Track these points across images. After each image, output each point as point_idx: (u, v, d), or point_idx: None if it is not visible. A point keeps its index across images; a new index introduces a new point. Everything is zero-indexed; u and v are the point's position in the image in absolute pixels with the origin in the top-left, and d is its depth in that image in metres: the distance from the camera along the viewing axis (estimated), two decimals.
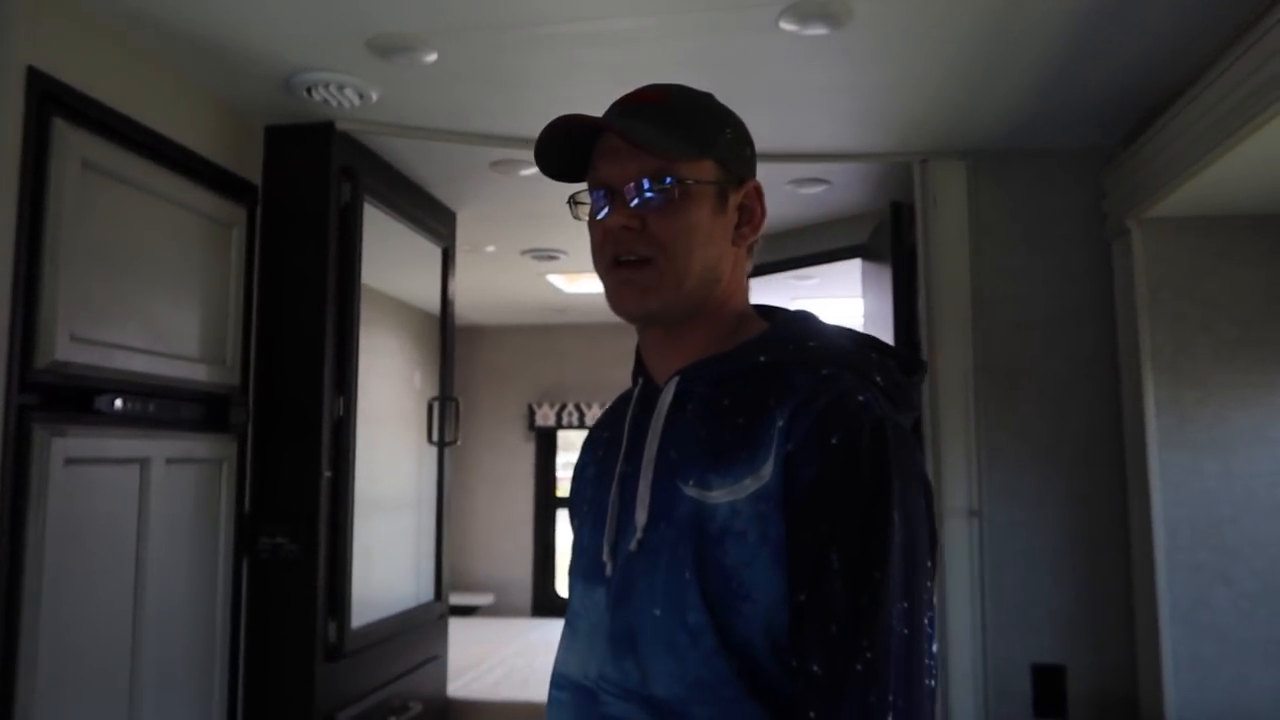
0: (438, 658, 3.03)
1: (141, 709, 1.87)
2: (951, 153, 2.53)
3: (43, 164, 1.65)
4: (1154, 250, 2.21)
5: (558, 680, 1.00)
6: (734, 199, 1.00)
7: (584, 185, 1.02)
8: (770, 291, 4.17)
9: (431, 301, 3.13)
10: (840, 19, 1.80)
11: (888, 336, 2.61)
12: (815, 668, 0.83)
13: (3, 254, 1.58)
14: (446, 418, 3.04)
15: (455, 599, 5.40)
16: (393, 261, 2.91)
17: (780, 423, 0.90)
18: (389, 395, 2.84)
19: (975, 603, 2.39)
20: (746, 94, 2.20)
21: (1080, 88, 2.14)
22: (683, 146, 0.95)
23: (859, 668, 0.82)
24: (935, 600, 0.93)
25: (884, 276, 2.74)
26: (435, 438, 3.00)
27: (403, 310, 3.01)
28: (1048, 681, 2.36)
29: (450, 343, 3.16)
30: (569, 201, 1.03)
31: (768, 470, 0.89)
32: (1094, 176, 2.43)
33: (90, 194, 1.75)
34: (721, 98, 2.28)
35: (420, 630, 2.88)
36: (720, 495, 0.90)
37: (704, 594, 0.89)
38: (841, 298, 4.40)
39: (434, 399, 3.02)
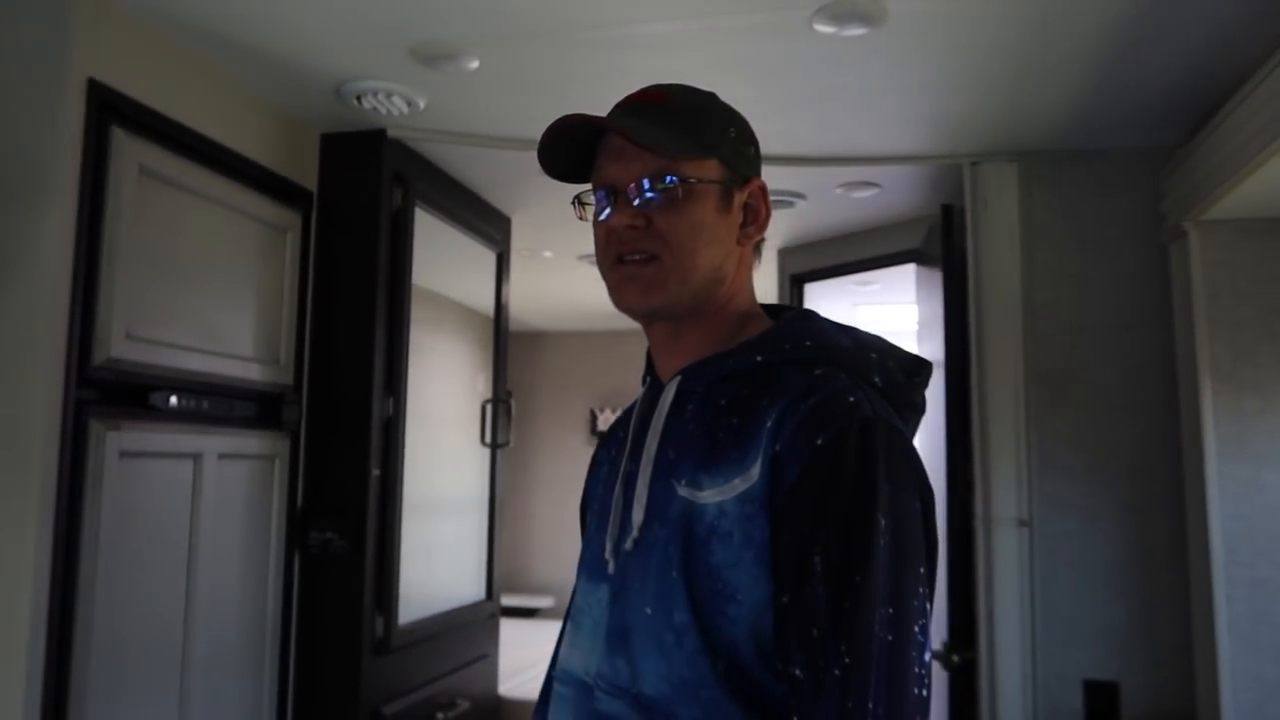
0: (488, 656, 3.08)
1: (193, 697, 1.95)
2: (1003, 154, 2.48)
3: (102, 171, 1.73)
4: (1213, 254, 2.13)
5: (561, 675, 1.02)
6: (739, 198, 1.01)
7: (588, 185, 1.04)
8: (831, 297, 4.13)
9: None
10: (875, 19, 1.78)
11: (938, 343, 2.56)
12: (797, 671, 0.83)
13: (63, 255, 1.67)
14: (499, 420, 3.09)
15: (516, 601, 5.49)
16: (456, 267, 2.98)
17: (769, 423, 0.90)
18: (451, 398, 2.91)
19: (1024, 615, 2.33)
20: (789, 97, 2.19)
21: (1135, 84, 2.07)
22: (685, 145, 0.96)
23: (836, 672, 0.81)
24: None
25: (937, 281, 2.69)
26: (488, 439, 3.05)
27: (466, 315, 3.07)
28: (1101, 699, 2.28)
29: (503, 346, 3.21)
30: (573, 202, 1.05)
31: (756, 471, 0.89)
32: (1152, 177, 2.35)
33: (148, 199, 1.84)
34: (764, 101, 2.28)
35: (470, 629, 2.93)
36: (710, 495, 0.91)
37: (689, 594, 0.89)
38: (904, 304, 4.33)
39: (486, 401, 3.07)
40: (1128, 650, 2.27)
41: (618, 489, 1.01)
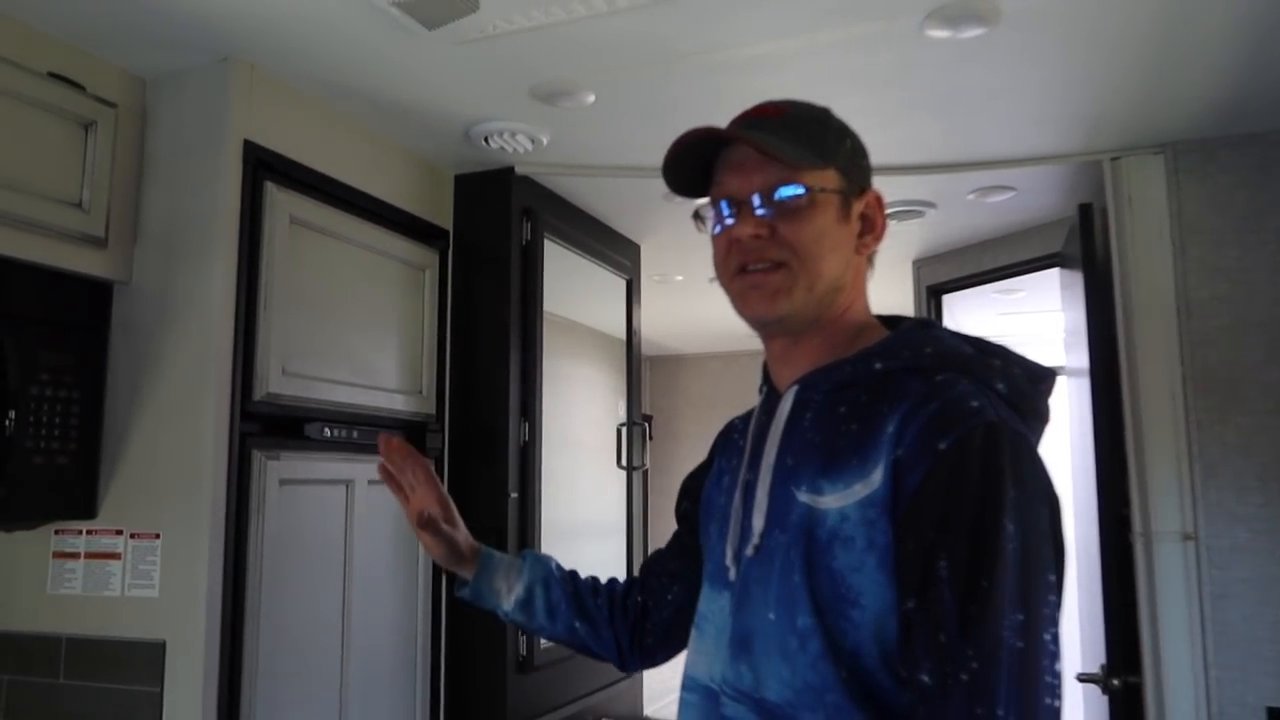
0: (632, 676, 3.11)
1: (351, 708, 2.07)
2: (1146, 147, 2.34)
3: (257, 223, 1.90)
4: None
5: (687, 682, 1.05)
6: (856, 208, 1.02)
7: (705, 200, 1.06)
8: (973, 307, 4.00)
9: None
10: (989, 18, 1.74)
11: (1082, 349, 2.44)
12: (924, 678, 0.82)
13: (226, 301, 1.83)
14: (634, 443, 3.14)
15: None
16: (592, 295, 3.06)
17: (890, 428, 0.90)
18: (593, 423, 2.99)
19: (1195, 636, 2.17)
20: (909, 104, 2.16)
21: None
22: (808, 155, 0.98)
23: (964, 678, 0.80)
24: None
25: (1080, 285, 2.57)
26: (623, 462, 3.10)
27: (605, 342, 3.15)
28: None
29: (636, 370, 3.27)
30: (694, 216, 1.08)
31: (877, 476, 0.89)
32: None
33: (298, 246, 1.99)
34: (883, 110, 2.26)
35: None
36: (831, 501, 0.91)
37: (812, 598, 0.90)
38: (1053, 311, 4.14)
39: (621, 424, 3.13)
40: None
41: (737, 497, 1.03)
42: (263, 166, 1.92)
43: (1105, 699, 2.27)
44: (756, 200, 0.98)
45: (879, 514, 0.87)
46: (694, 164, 1.03)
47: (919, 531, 0.85)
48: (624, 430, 3.12)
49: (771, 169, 0.97)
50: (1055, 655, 0.82)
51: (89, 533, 1.84)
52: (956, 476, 0.85)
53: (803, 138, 0.99)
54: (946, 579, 0.82)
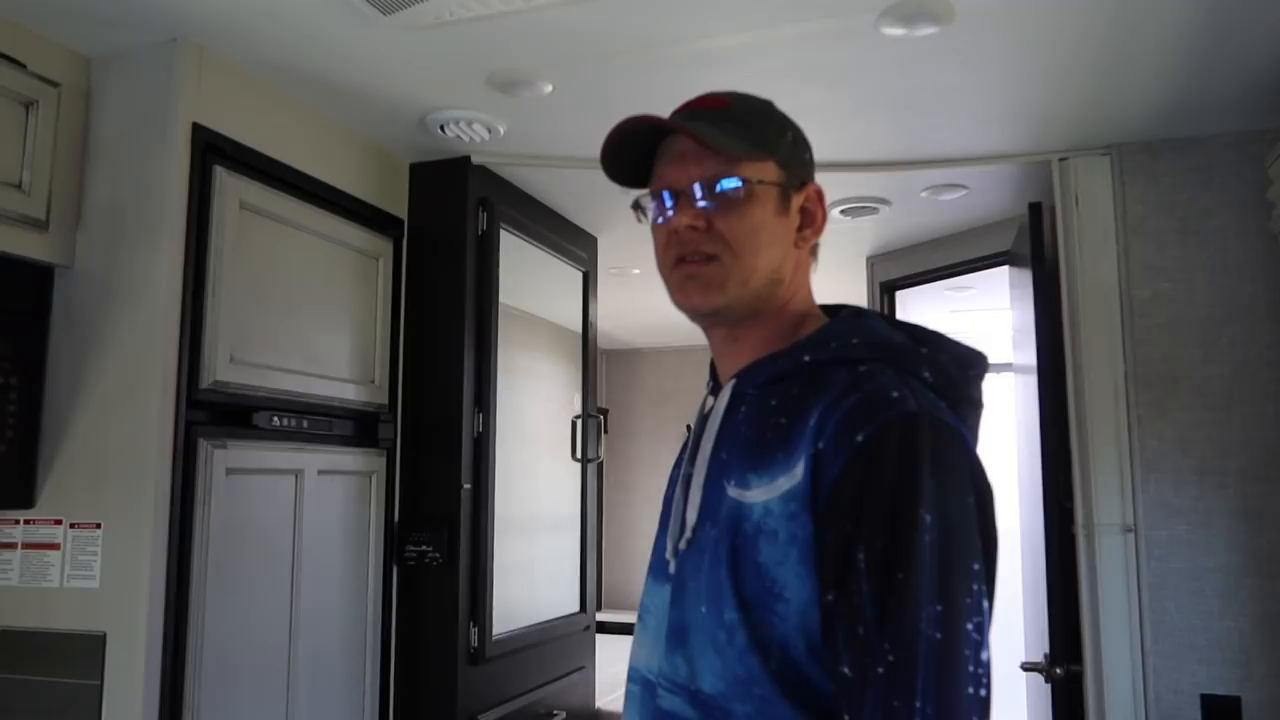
0: (585, 668, 3.11)
1: (298, 704, 2.04)
2: (1093, 148, 2.39)
3: (206, 207, 1.86)
4: None
5: (630, 673, 1.05)
6: (796, 201, 1.03)
7: (645, 190, 1.07)
8: (926, 304, 4.05)
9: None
10: (942, 18, 1.76)
11: (1030, 346, 2.49)
12: (845, 669, 0.83)
13: (172, 287, 1.79)
14: (589, 436, 3.14)
15: (618, 617, 5.52)
16: (549, 288, 3.05)
17: (813, 421, 0.90)
18: (549, 416, 2.98)
19: (1133, 625, 2.23)
20: (865, 101, 2.17)
21: (1232, 66, 1.98)
22: (747, 147, 0.98)
23: (881, 670, 0.81)
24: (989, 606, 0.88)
25: (1029, 283, 2.62)
26: (578, 455, 3.10)
27: (562, 335, 3.14)
28: (1221, 715, 2.16)
29: (592, 363, 3.26)
30: (633, 206, 1.07)
31: (799, 470, 0.89)
32: (1255, 164, 2.23)
33: (248, 232, 1.96)
34: (839, 106, 2.27)
35: (566, 641, 2.97)
36: (756, 495, 0.92)
37: (737, 592, 0.90)
38: (1003, 309, 4.21)
39: (576, 417, 3.12)
40: (1249, 664, 2.15)
41: (678, 491, 1.04)
42: (212, 150, 1.89)
43: (1048, 687, 2.33)
44: (696, 191, 0.98)
45: (800, 507, 0.88)
46: (634, 153, 1.03)
47: (837, 524, 0.85)
48: (579, 423, 3.12)
49: (710, 160, 0.97)
50: (979, 645, 0.82)
51: (27, 522, 1.80)
52: (873, 468, 0.85)
53: (743, 129, 0.99)
54: (864, 571, 0.83)
